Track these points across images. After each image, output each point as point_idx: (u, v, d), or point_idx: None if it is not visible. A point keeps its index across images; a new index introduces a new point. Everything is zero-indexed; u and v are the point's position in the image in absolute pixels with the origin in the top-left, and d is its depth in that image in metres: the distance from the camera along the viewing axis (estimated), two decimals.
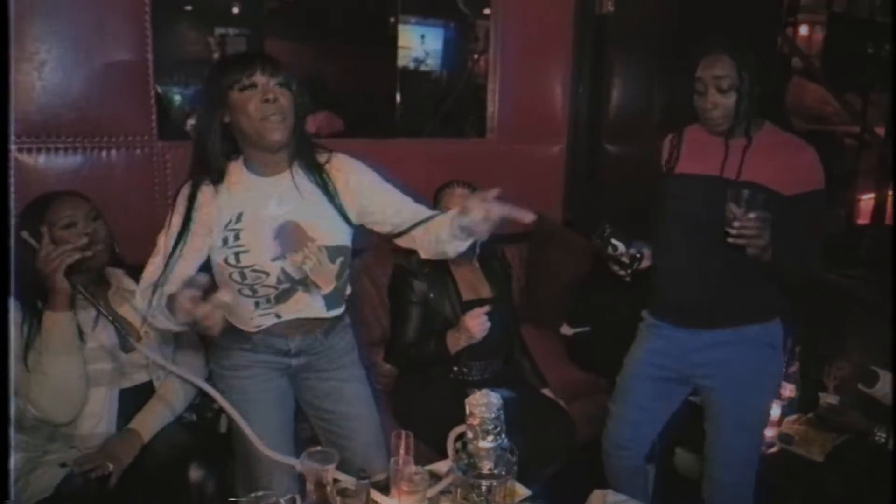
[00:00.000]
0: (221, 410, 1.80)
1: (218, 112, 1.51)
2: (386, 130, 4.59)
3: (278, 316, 1.61)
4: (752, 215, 1.53)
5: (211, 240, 1.54)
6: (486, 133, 2.96)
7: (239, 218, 1.54)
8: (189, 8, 4.74)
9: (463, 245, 1.53)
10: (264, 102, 1.47)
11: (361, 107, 4.74)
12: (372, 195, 1.64)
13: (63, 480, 1.55)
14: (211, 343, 1.69)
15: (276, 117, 1.49)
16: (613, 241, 1.80)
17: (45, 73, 1.97)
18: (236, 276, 1.54)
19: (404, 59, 5.16)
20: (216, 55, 4.86)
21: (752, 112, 1.68)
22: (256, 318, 1.60)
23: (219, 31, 4.86)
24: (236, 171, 1.57)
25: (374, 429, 1.80)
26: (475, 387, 2.03)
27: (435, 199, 2.13)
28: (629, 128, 3.01)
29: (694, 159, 1.80)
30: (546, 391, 2.22)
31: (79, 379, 1.61)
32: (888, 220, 3.29)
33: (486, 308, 1.97)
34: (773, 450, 2.18)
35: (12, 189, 1.62)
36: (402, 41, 5.10)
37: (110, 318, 1.68)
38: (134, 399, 1.71)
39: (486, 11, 3.27)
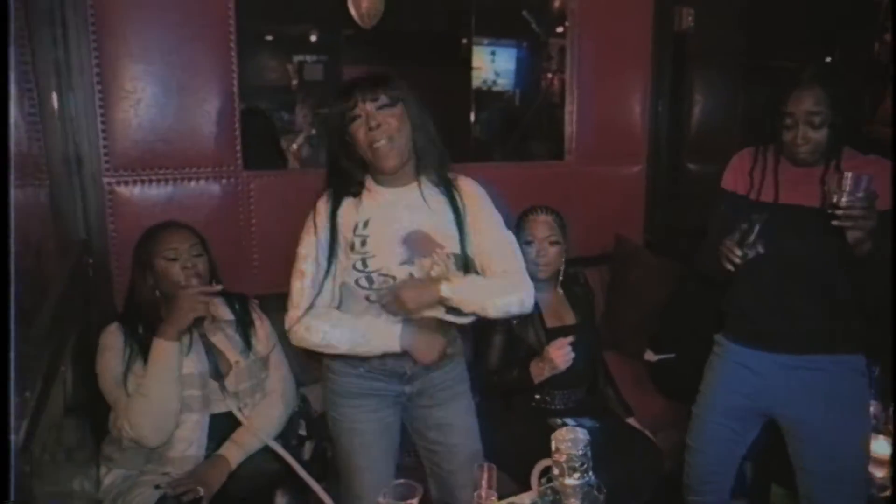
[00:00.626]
0: (306, 438, 1.83)
1: (339, 136, 1.61)
2: (461, 153, 4.60)
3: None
4: (859, 194, 1.47)
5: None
6: (563, 155, 2.91)
7: (366, 224, 1.61)
8: (270, 38, 4.92)
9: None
10: (370, 130, 1.54)
11: (439, 129, 4.78)
12: (480, 227, 1.68)
13: (157, 502, 1.59)
14: (326, 368, 1.72)
15: (384, 143, 1.55)
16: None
17: (140, 110, 2.06)
18: (363, 282, 1.58)
19: (478, 81, 5.17)
20: (294, 82, 5.04)
21: (841, 142, 1.64)
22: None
23: (297, 58, 5.03)
24: (367, 182, 1.66)
25: (477, 452, 1.80)
26: (558, 416, 2.00)
27: (518, 225, 2.10)
28: (711, 146, 2.90)
29: (781, 187, 1.73)
30: (631, 420, 2.14)
31: (174, 405, 1.67)
32: None
33: (571, 338, 1.92)
34: (886, 494, 2.01)
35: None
36: (475, 62, 5.12)
37: (209, 349, 1.75)
38: (223, 424, 1.74)
39: (560, 30, 3.24)
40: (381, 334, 1.59)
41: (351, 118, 1.57)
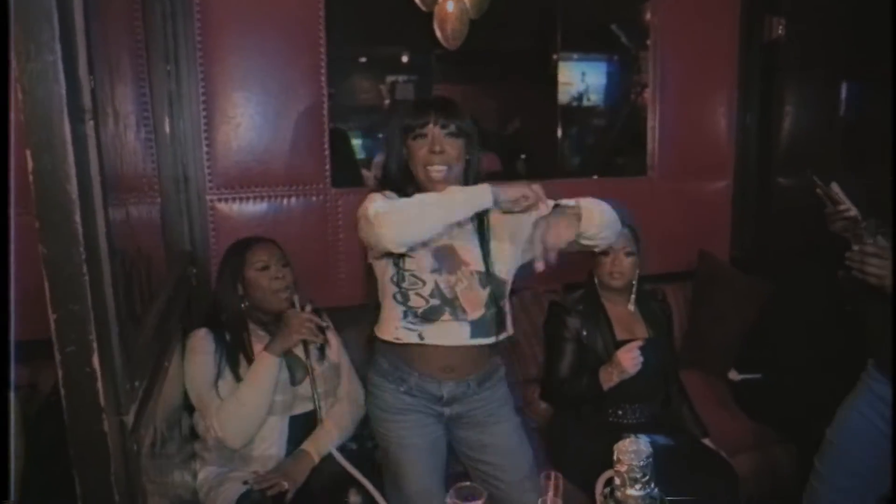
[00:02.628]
0: None
1: (399, 145, 1.69)
2: (548, 169, 4.64)
3: (421, 337, 1.67)
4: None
5: None
6: (646, 170, 2.90)
7: None
8: (363, 60, 5.15)
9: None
10: (431, 153, 1.62)
11: (523, 145, 4.85)
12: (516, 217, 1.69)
13: (242, 496, 1.72)
14: (368, 389, 1.81)
15: (441, 167, 1.62)
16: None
17: (240, 133, 2.26)
18: (395, 277, 1.66)
19: (565, 96, 5.19)
20: (387, 101, 5.24)
21: None
22: (400, 329, 1.68)
23: (390, 78, 5.23)
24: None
25: (529, 467, 1.80)
26: (629, 431, 1.99)
27: None
28: (804, 160, 2.80)
29: None
30: (706, 441, 2.10)
31: (264, 413, 1.80)
32: None
33: (640, 342, 1.93)
34: None
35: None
36: (562, 78, 5.13)
37: (291, 360, 1.87)
38: (301, 426, 1.87)
39: (650, 42, 3.21)
40: (467, 194, 1.54)
41: (416, 135, 1.64)
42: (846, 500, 1.78)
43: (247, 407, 1.77)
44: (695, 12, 2.82)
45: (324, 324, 1.88)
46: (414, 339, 1.68)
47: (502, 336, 1.74)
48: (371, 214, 1.52)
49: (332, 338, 2.03)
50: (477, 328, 1.69)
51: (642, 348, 1.91)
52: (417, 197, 1.55)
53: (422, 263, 1.66)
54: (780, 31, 2.81)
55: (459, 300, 1.66)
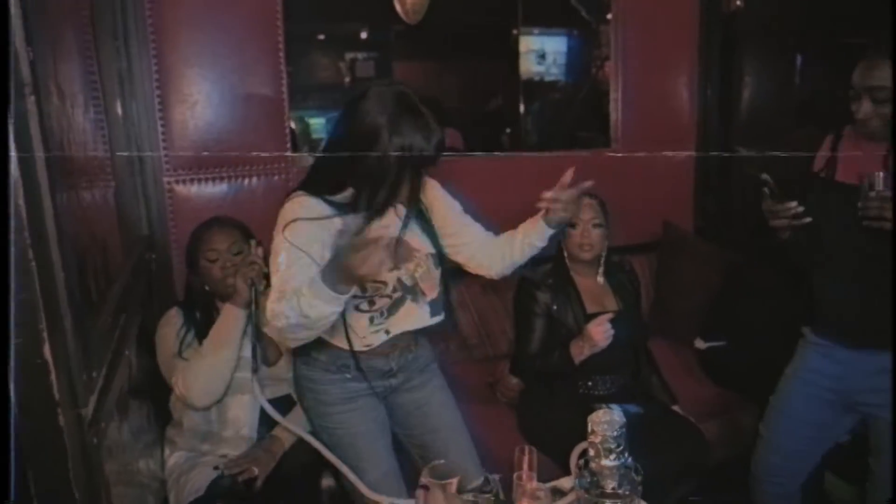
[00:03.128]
0: None
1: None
2: (511, 143, 4.62)
3: (387, 332, 1.65)
4: (871, 194, 1.49)
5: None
6: (610, 143, 2.90)
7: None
8: (322, 37, 5.04)
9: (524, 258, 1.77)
10: None
11: (486, 120, 4.83)
12: (443, 213, 1.76)
13: (213, 481, 1.68)
14: (303, 385, 1.74)
15: None
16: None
17: (196, 112, 2.18)
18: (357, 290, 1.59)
19: (527, 71, 5.16)
20: (347, 79, 5.14)
21: None
22: (368, 336, 1.64)
23: (349, 56, 5.13)
24: None
25: (465, 438, 1.81)
26: (601, 402, 2.01)
27: None
28: (764, 130, 2.84)
29: (855, 166, 1.64)
30: (676, 408, 2.14)
31: (227, 370, 1.75)
32: None
33: (609, 315, 1.94)
34: None
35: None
36: (523, 52, 5.11)
37: (253, 337, 1.80)
38: (275, 409, 1.82)
39: (610, 17, 3.20)
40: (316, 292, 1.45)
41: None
42: (790, 462, 1.84)
43: (207, 360, 1.72)
44: None
45: (266, 269, 1.75)
46: (382, 338, 1.65)
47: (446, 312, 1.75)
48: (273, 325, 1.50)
49: None
50: (434, 306, 1.71)
51: (612, 321, 1.92)
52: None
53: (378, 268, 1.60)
54: (738, 3, 2.82)
55: (419, 285, 1.67)
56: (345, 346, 1.63)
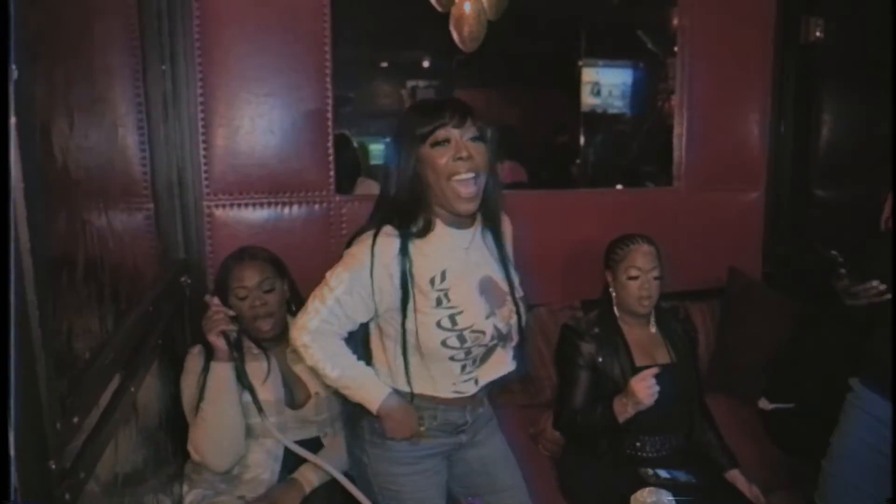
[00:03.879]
0: None
1: (412, 162, 1.41)
2: (569, 178, 4.49)
3: (476, 382, 1.52)
4: None
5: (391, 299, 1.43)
6: (672, 180, 2.73)
7: (444, 276, 1.43)
8: (385, 64, 5.07)
9: None
10: (456, 160, 1.37)
11: (545, 153, 4.71)
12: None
13: None
14: (365, 446, 1.56)
15: (470, 177, 1.38)
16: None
17: (240, 136, 2.14)
18: (453, 341, 1.42)
19: (589, 103, 5.05)
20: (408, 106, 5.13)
21: None
22: (459, 384, 1.50)
23: (410, 83, 5.14)
24: (435, 222, 1.46)
25: (524, 497, 1.67)
26: (649, 465, 1.83)
27: (609, 255, 1.96)
28: (844, 169, 2.61)
29: None
30: (736, 472, 1.92)
31: (234, 429, 1.66)
32: None
33: (655, 369, 1.75)
34: None
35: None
36: (585, 83, 5.00)
37: (287, 377, 1.75)
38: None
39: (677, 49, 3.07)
40: (369, 389, 1.47)
41: (434, 142, 1.38)
42: None
43: (210, 424, 1.64)
44: (726, 13, 2.65)
45: (231, 313, 1.70)
46: (472, 387, 1.52)
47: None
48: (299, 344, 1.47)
49: None
50: (515, 353, 1.57)
51: (659, 376, 1.74)
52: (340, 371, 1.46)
53: (476, 314, 1.44)
54: (818, 34, 2.62)
55: (511, 332, 1.53)
56: (429, 392, 1.50)
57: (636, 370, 1.85)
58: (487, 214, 1.51)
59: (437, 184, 1.40)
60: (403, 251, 1.40)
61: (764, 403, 2.34)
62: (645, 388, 1.71)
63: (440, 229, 1.45)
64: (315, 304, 1.45)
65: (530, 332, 2.37)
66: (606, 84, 5.20)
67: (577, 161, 4.72)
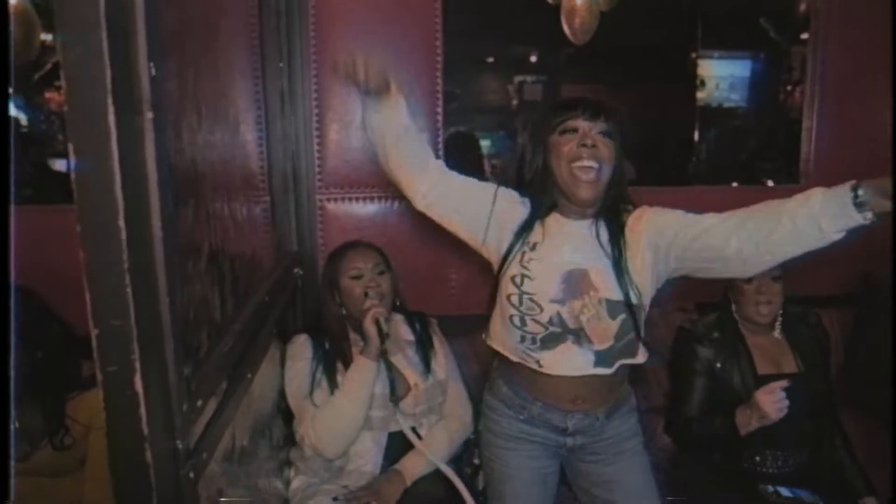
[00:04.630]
0: (480, 467, 1.77)
1: (542, 149, 1.50)
2: (684, 174, 4.30)
3: (539, 364, 1.49)
4: None
5: (486, 221, 1.52)
6: (798, 177, 2.55)
7: (534, 247, 1.49)
8: (491, 59, 5.05)
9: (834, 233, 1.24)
10: (581, 146, 1.43)
11: (657, 150, 4.54)
12: (656, 219, 1.48)
13: None
14: (487, 406, 1.64)
15: (592, 164, 1.42)
16: None
17: (352, 131, 2.18)
18: (514, 299, 1.47)
19: (705, 96, 4.82)
20: (515, 102, 5.10)
21: None
22: (518, 352, 1.52)
23: (518, 78, 5.10)
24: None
25: None
26: (769, 481, 1.71)
27: None
28: None
29: None
30: (871, 501, 1.76)
31: (360, 423, 1.70)
32: None
33: (785, 382, 1.62)
34: None
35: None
36: (702, 76, 4.78)
37: (390, 370, 1.75)
38: (399, 444, 1.75)
39: (804, 36, 2.86)
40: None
41: (563, 130, 1.46)
42: None
43: (341, 415, 1.68)
44: None
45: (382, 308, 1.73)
46: (532, 365, 1.50)
47: (625, 363, 1.52)
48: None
49: (440, 350, 1.90)
50: (602, 357, 1.49)
51: (788, 389, 1.61)
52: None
53: (542, 290, 1.46)
54: None
55: (585, 330, 1.46)
56: (498, 345, 1.58)
57: (758, 379, 1.73)
58: (605, 208, 1.51)
59: (558, 168, 1.46)
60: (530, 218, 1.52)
61: None
62: (772, 402, 1.59)
63: (555, 218, 1.52)
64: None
65: None
66: (723, 76, 4.96)
67: (693, 159, 4.51)
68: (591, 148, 1.42)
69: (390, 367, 1.75)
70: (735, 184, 3.04)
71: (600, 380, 1.51)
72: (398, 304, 1.85)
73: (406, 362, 1.81)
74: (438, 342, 1.91)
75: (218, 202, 1.29)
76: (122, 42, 0.72)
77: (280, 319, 1.85)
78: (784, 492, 1.65)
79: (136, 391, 0.74)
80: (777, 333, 1.84)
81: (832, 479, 1.79)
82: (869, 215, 1.20)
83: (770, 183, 3.20)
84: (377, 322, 1.68)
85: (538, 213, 1.51)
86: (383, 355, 1.73)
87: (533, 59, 5.15)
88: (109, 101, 0.68)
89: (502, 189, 1.53)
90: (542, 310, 1.46)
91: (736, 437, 1.68)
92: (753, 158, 4.14)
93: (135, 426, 0.74)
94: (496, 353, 1.61)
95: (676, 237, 1.41)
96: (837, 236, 1.24)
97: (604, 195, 1.48)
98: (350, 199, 2.22)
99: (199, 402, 0.94)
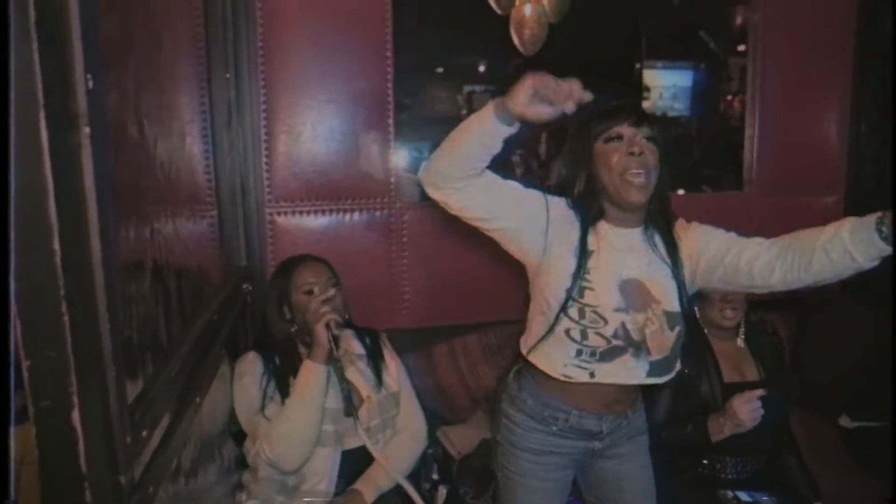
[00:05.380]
0: (439, 482, 1.74)
1: (584, 162, 1.46)
2: None
3: (592, 375, 1.45)
4: None
5: (533, 227, 1.43)
6: (742, 185, 2.61)
7: (590, 256, 1.44)
8: (440, 70, 5.05)
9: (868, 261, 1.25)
10: (629, 155, 1.40)
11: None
12: (704, 238, 1.48)
13: None
14: (501, 421, 1.58)
15: (641, 173, 1.39)
16: None
17: (301, 143, 2.14)
18: (573, 312, 1.42)
19: (650, 106, 4.93)
20: (464, 112, 5.11)
21: None
22: (570, 367, 1.46)
23: (467, 88, 5.11)
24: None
25: None
26: (728, 487, 1.73)
27: None
28: None
29: None
30: None
31: (315, 431, 1.65)
32: None
33: (760, 392, 1.66)
34: None
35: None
36: (647, 86, 4.89)
37: (342, 383, 1.70)
38: (354, 461, 1.71)
39: (741, 48, 2.95)
40: (477, 115, 1.30)
41: (608, 138, 1.42)
42: None
43: (294, 423, 1.62)
44: (802, 6, 2.52)
45: (331, 292, 1.70)
46: (584, 377, 1.45)
47: (674, 373, 1.52)
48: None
49: (391, 363, 1.87)
50: (655, 367, 1.47)
51: (762, 397, 1.64)
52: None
53: (605, 301, 1.42)
54: None
55: (647, 343, 1.44)
56: (542, 364, 1.49)
57: (725, 387, 1.76)
58: (653, 213, 1.49)
59: (608, 178, 1.42)
60: (585, 227, 1.45)
61: (846, 421, 2.20)
62: (749, 411, 1.63)
63: (605, 227, 1.47)
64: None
65: None
66: (667, 86, 5.09)
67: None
68: (639, 156, 1.40)
69: (344, 381, 1.70)
70: (681, 191, 3.09)
71: (643, 385, 1.51)
72: (347, 317, 1.82)
73: (359, 375, 1.78)
74: (389, 355, 1.88)
75: (162, 218, 1.23)
76: (56, 53, 0.67)
77: (230, 337, 1.79)
78: (743, 496, 1.68)
79: (74, 427, 0.68)
80: (740, 342, 1.87)
81: (782, 483, 1.82)
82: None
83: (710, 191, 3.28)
84: (328, 326, 1.63)
85: (590, 222, 1.46)
86: (336, 365, 1.68)
87: (482, 69, 5.17)
88: (42, 115, 0.64)
89: (550, 196, 1.46)
90: (606, 322, 1.41)
91: (708, 444, 1.70)
92: (697, 166, 4.24)
93: (73, 464, 0.69)
94: (514, 364, 1.58)
95: (724, 258, 1.41)
96: (872, 264, 1.26)
97: (649, 201, 1.45)
98: (300, 212, 2.18)
99: (145, 433, 0.89)
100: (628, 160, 1.39)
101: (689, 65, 5.05)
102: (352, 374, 1.77)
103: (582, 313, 1.41)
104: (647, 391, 1.76)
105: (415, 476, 1.77)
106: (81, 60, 0.72)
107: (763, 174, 2.58)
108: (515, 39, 2.62)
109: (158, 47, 1.38)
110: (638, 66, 4.75)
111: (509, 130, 1.25)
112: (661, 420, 1.80)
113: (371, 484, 1.69)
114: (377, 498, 1.69)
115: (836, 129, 2.61)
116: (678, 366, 1.51)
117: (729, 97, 4.41)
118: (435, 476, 1.77)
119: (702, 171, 4.09)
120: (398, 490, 1.67)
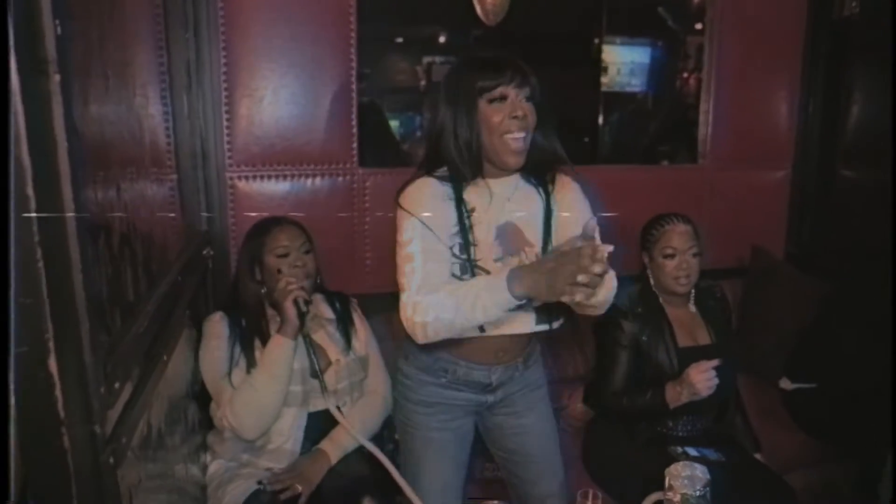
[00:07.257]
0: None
1: (466, 113, 1.43)
2: (589, 155, 4.44)
3: (482, 330, 1.47)
4: None
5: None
6: (697, 158, 2.70)
7: (470, 213, 1.47)
8: (400, 40, 5.00)
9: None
10: (511, 118, 1.41)
11: (564, 130, 4.65)
12: (568, 205, 1.53)
13: (252, 495, 1.59)
14: (403, 375, 1.65)
15: (521, 136, 1.42)
16: None
17: (263, 107, 2.12)
18: (456, 270, 1.44)
19: (608, 81, 4.99)
20: (423, 83, 5.08)
21: None
22: None
23: (426, 59, 5.07)
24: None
25: (559, 474, 1.70)
26: (678, 444, 1.82)
27: (645, 237, 1.93)
28: (873, 150, 2.56)
29: None
30: (758, 456, 1.91)
31: (279, 402, 1.66)
32: None
33: (716, 362, 1.73)
34: None
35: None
36: (606, 62, 4.93)
37: (309, 346, 1.71)
38: (319, 423, 1.73)
39: (699, 27, 3.02)
40: (490, 287, 1.32)
41: (492, 98, 1.41)
42: None
43: (260, 394, 1.64)
44: None
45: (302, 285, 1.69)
46: (474, 332, 1.47)
47: (563, 320, 1.56)
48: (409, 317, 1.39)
49: (361, 328, 1.89)
50: (541, 313, 1.51)
51: (716, 367, 1.72)
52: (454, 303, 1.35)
53: (487, 252, 1.46)
54: (853, 8, 2.56)
55: None
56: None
57: (680, 352, 1.83)
58: (533, 160, 1.51)
59: (488, 138, 1.44)
60: (458, 195, 1.46)
61: (785, 383, 2.32)
62: (704, 380, 1.69)
63: (482, 180, 1.49)
64: (406, 275, 1.43)
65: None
66: (625, 62, 5.14)
67: (586, 139, 4.66)
68: (521, 119, 1.41)
69: (310, 344, 1.71)
70: (637, 165, 3.17)
71: (531, 334, 1.55)
72: (318, 282, 1.82)
73: (328, 339, 1.79)
74: (359, 320, 1.90)
75: (127, 176, 1.22)
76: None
77: (192, 302, 1.78)
78: (692, 451, 1.76)
79: (51, 373, 0.69)
80: (692, 307, 1.94)
81: (728, 439, 1.92)
82: None
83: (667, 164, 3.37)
84: (296, 303, 1.65)
85: (466, 183, 1.48)
86: (302, 333, 1.70)
87: (442, 39, 5.13)
88: (13, 60, 0.63)
89: (415, 217, 1.45)
90: (489, 273, 1.44)
91: (665, 410, 1.78)
92: (653, 141, 4.33)
93: (50, 410, 0.70)
94: None
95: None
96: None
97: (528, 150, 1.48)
98: (262, 176, 2.16)
99: (116, 385, 0.89)
100: (509, 122, 1.41)
101: (647, 41, 5.11)
102: (321, 338, 1.78)
103: (464, 269, 1.45)
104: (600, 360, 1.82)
105: (378, 438, 1.80)
106: (49, 4, 0.71)
107: (717, 149, 2.66)
108: (478, 8, 2.61)
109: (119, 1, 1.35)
110: (597, 41, 4.80)
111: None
112: (619, 387, 1.86)
113: (336, 444, 1.72)
114: (342, 458, 1.71)
115: (786, 106, 2.71)
116: (565, 313, 1.53)
117: (685, 74, 4.50)
118: (397, 436, 1.80)
119: (658, 146, 4.19)
120: (362, 450, 1.70)
